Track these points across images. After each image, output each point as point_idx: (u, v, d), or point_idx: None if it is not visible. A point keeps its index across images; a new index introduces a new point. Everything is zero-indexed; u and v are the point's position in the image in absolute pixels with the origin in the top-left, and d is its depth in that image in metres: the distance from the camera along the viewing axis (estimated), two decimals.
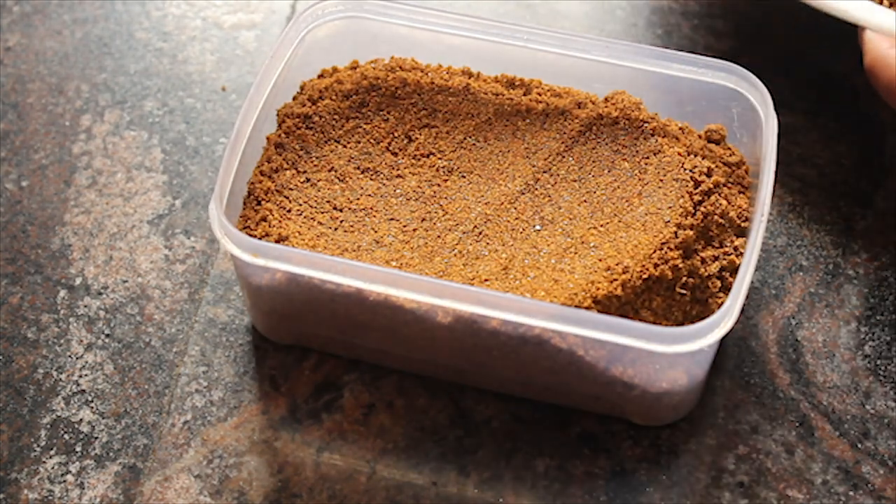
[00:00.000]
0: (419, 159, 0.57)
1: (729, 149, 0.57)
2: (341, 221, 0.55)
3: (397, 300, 0.49)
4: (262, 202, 0.55)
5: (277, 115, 0.57)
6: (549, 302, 0.49)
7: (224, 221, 0.50)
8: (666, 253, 0.51)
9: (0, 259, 0.60)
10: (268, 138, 0.56)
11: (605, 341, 0.48)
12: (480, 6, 0.72)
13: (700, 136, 0.57)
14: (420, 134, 0.57)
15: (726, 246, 0.53)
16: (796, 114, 0.65)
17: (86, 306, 0.58)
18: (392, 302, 0.50)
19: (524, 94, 0.58)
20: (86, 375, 0.56)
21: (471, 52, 0.58)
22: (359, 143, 0.57)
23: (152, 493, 0.53)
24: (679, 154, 0.54)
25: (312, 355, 0.56)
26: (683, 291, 0.51)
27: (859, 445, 0.53)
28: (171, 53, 0.69)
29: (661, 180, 0.54)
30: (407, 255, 0.53)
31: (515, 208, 0.55)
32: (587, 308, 0.49)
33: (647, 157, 0.55)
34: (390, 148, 0.57)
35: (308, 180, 0.56)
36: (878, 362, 0.56)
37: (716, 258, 0.53)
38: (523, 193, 0.55)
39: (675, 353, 0.47)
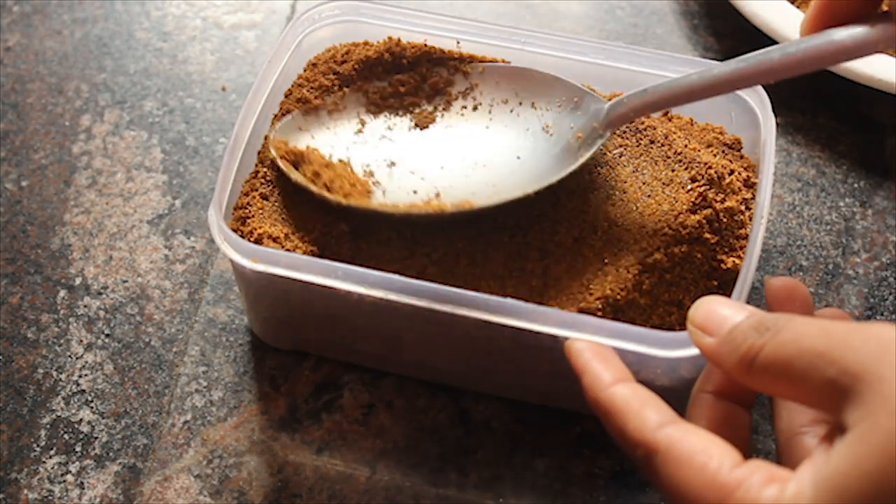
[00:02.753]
0: None
1: (731, 149, 0.57)
2: None
3: (396, 305, 0.49)
4: (260, 203, 0.55)
5: (274, 118, 0.57)
6: (549, 307, 0.49)
7: (223, 226, 0.50)
8: (669, 248, 0.51)
9: (0, 259, 0.60)
10: (266, 138, 0.56)
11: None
12: (480, 5, 0.72)
13: (701, 137, 0.57)
14: None
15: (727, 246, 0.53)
16: (796, 114, 0.65)
17: (86, 306, 0.58)
18: (392, 307, 0.50)
19: None
20: (86, 375, 0.56)
21: None
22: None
23: (152, 493, 0.53)
24: (678, 152, 0.54)
25: (312, 356, 0.56)
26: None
27: None
28: (171, 53, 0.69)
29: (663, 180, 0.54)
30: None
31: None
32: (597, 307, 0.49)
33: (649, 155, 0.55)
34: None
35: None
36: None
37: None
38: None
39: (675, 358, 0.47)
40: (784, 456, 0.42)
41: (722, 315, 0.42)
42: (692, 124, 0.57)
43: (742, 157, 0.56)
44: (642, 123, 0.55)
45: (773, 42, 0.64)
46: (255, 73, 0.67)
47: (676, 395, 0.52)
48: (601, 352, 0.45)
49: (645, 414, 0.41)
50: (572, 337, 0.46)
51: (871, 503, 0.34)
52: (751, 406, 0.44)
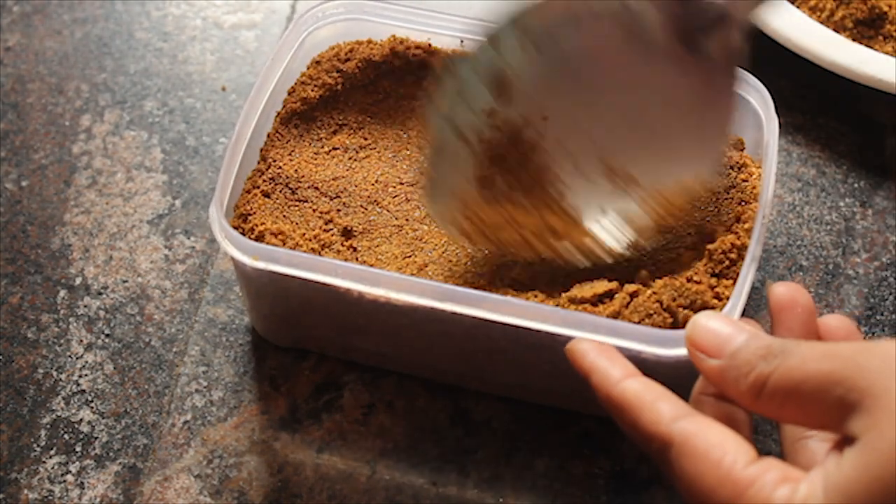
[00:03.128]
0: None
1: (732, 149, 0.57)
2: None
3: (397, 303, 0.49)
4: (262, 200, 0.55)
5: (276, 116, 0.57)
6: (548, 305, 0.49)
7: (225, 224, 0.50)
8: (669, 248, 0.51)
9: (0, 259, 0.60)
10: (268, 135, 0.56)
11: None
12: (482, 4, 0.72)
13: None
14: None
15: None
16: (796, 114, 0.65)
17: (86, 306, 0.58)
18: (392, 305, 0.50)
19: None
20: (86, 375, 0.56)
21: None
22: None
23: (152, 493, 0.53)
24: None
25: (312, 355, 0.56)
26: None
27: None
28: (171, 53, 0.69)
29: None
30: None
31: None
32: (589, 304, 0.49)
33: None
34: None
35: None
36: None
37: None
38: None
39: (675, 356, 0.47)
40: (789, 459, 0.43)
41: (721, 335, 0.41)
42: None
43: (743, 157, 0.56)
44: None
45: (773, 42, 0.64)
46: (256, 73, 0.67)
47: (675, 394, 0.52)
48: (605, 350, 0.44)
49: (659, 407, 0.41)
50: (571, 335, 0.46)
51: None
52: None
